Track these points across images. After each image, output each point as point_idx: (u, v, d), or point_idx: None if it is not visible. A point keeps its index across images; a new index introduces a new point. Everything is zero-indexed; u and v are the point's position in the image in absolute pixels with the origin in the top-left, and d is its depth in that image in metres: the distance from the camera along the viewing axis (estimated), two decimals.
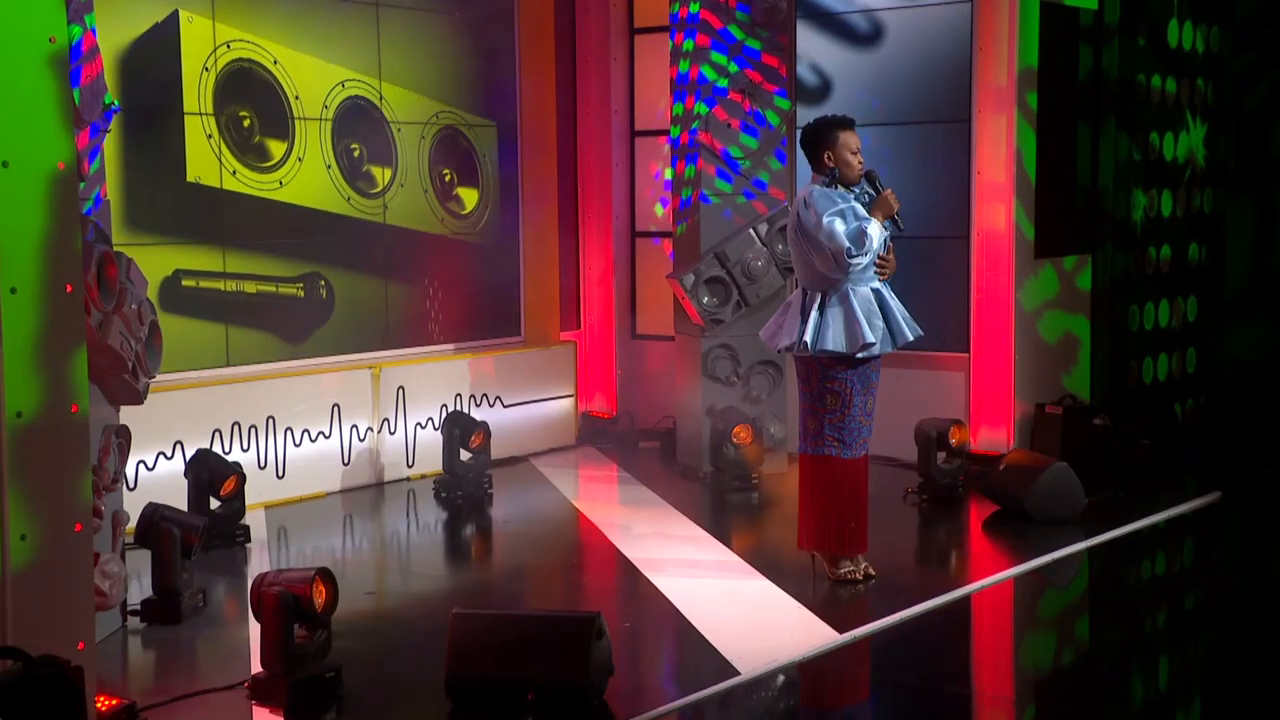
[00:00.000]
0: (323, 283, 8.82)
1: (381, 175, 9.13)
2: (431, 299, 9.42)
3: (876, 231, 6.26)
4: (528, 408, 9.75)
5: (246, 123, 8.36)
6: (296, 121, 8.62)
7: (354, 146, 8.95)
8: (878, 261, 6.38)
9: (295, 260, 8.69)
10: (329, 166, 8.81)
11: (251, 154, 8.43)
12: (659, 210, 10.27)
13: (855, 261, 6.23)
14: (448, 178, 9.52)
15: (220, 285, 8.31)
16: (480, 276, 9.73)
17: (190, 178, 8.16)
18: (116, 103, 5.97)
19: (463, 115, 9.61)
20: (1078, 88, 9.25)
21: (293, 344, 8.66)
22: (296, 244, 8.67)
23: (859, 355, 6.31)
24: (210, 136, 8.21)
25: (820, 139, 6.44)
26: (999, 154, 8.85)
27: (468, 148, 9.67)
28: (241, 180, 8.37)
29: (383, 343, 9.09)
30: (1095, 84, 9.26)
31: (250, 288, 8.42)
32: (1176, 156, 9.77)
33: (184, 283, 8.14)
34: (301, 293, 8.71)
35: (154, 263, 7.92)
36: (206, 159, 8.21)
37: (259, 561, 7.16)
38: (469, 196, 9.69)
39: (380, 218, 9.11)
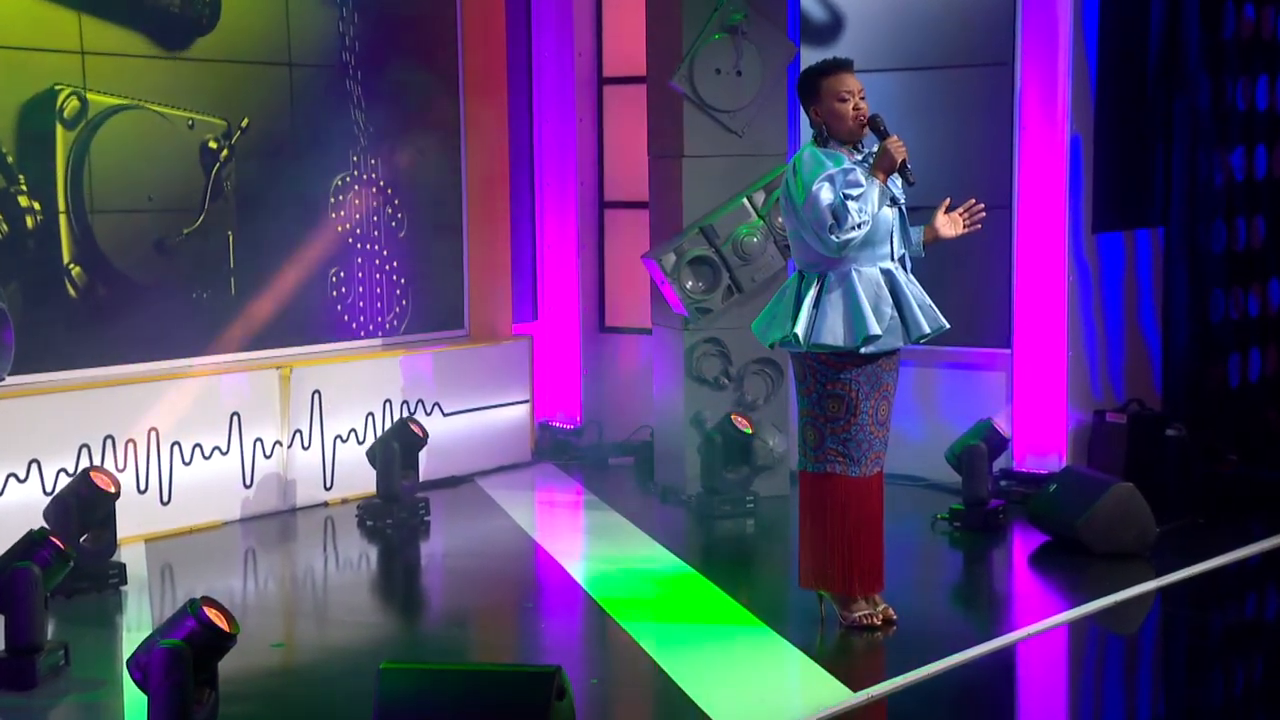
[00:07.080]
0: None
1: None
2: (345, 20, 9.29)
3: (875, 196, 6.20)
4: (473, 417, 9.74)
5: None
6: None
7: None
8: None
9: None
10: None
11: None
12: None
13: (837, 239, 6.15)
14: None
15: None
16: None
17: None
18: None
19: None
20: (1149, 27, 9.22)
21: (169, 50, 8.50)
22: None
23: (864, 350, 6.27)
24: None
25: (804, 93, 6.46)
26: (1049, 105, 8.83)
27: None
28: None
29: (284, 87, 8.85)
30: (1170, 20, 9.23)
31: None
32: (1274, 104, 9.76)
33: None
34: None
35: None
36: None
37: (137, 609, 7.13)
38: None
39: None
